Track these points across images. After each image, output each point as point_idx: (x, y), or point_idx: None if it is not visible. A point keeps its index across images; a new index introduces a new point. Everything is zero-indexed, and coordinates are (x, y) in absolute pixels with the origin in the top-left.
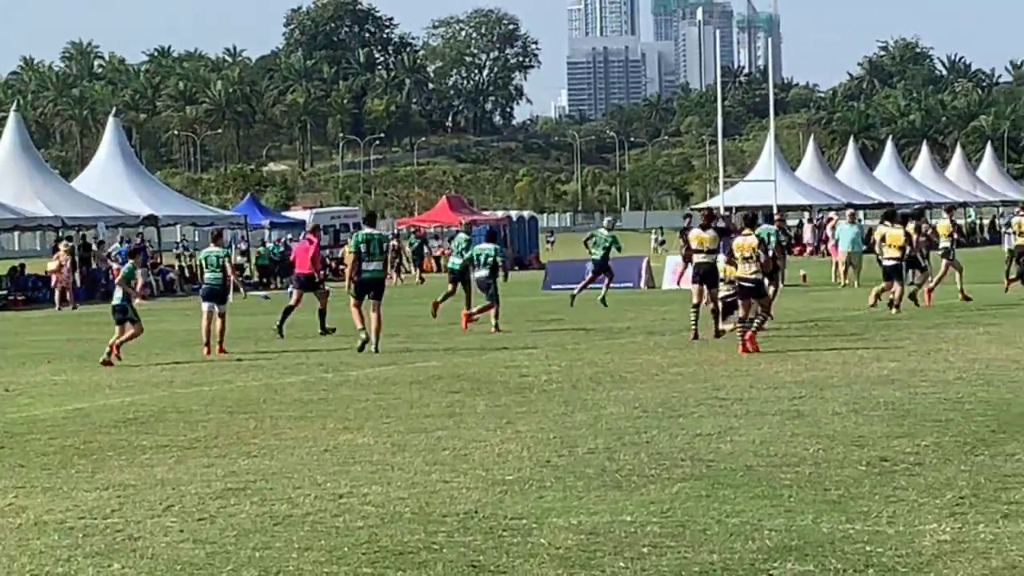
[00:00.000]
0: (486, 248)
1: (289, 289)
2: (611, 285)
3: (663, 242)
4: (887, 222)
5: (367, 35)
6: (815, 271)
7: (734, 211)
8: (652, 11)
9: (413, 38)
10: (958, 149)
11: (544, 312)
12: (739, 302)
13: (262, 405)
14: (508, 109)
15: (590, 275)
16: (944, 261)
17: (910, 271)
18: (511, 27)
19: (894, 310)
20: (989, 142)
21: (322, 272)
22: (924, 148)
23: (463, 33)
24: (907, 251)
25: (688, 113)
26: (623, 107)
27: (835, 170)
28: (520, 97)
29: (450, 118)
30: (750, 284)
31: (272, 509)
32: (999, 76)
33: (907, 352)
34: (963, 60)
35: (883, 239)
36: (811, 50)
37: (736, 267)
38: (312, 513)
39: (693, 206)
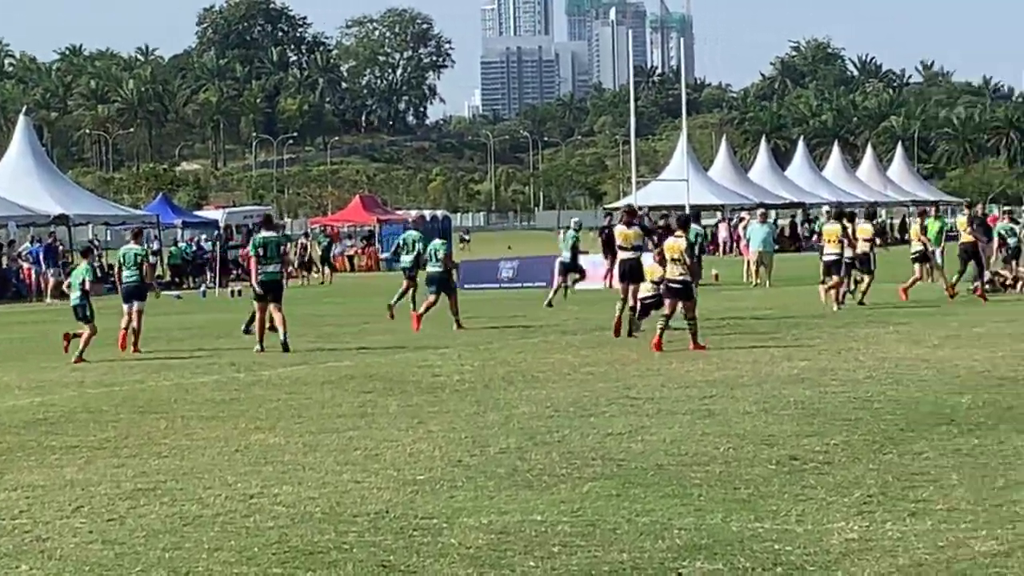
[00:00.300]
0: (436, 243)
1: (201, 289)
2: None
3: None
4: (833, 220)
5: (280, 34)
6: (727, 270)
7: (647, 210)
8: (566, 11)
9: (326, 37)
10: (869, 149)
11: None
12: (665, 302)
13: (173, 405)
14: (422, 109)
15: (559, 276)
16: (917, 265)
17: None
18: (424, 27)
19: (834, 306)
20: (900, 142)
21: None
22: (835, 148)
23: (376, 32)
24: (845, 245)
25: (602, 113)
26: (537, 107)
27: (747, 170)
28: (434, 97)
29: (363, 117)
30: (678, 286)
31: (182, 510)
32: (909, 77)
33: (817, 351)
34: (874, 61)
35: (821, 234)
36: (724, 50)
37: (664, 267)
38: (222, 513)
39: (606, 205)
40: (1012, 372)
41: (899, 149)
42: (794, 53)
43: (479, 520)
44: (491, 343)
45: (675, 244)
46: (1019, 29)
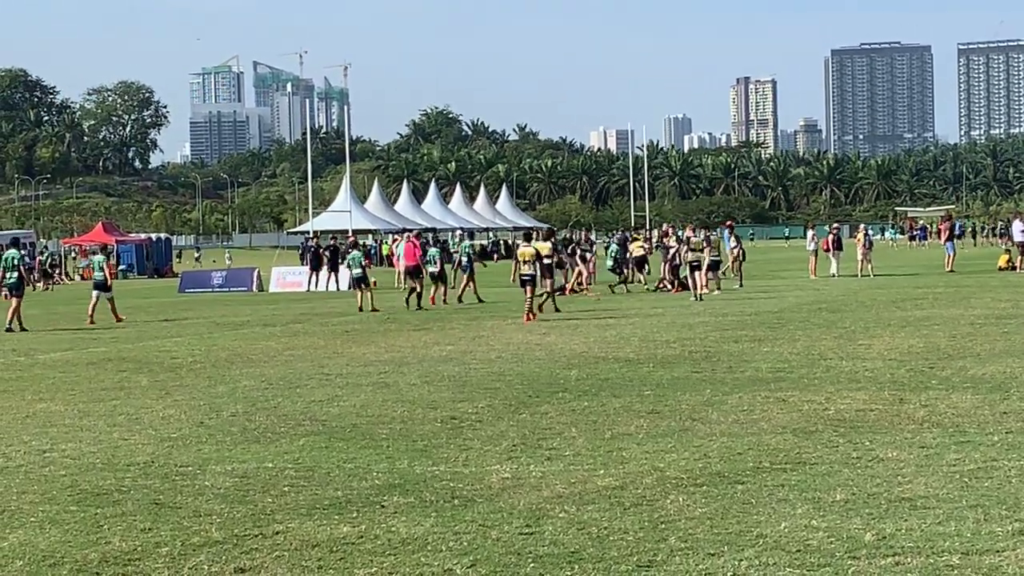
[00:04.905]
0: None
1: None
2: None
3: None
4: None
5: (36, 99)
6: (383, 279)
7: (319, 235)
8: (253, 84)
9: (72, 102)
10: (482, 189)
11: (181, 310)
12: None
13: None
14: (146, 157)
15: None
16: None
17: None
18: (147, 95)
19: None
20: (504, 184)
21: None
22: (458, 188)
23: (111, 99)
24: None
25: (283, 160)
26: (233, 156)
27: (393, 204)
28: (154, 148)
29: (101, 163)
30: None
31: None
32: (509, 135)
33: (459, 338)
34: (483, 123)
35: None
36: (373, 114)
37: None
38: (23, 465)
39: (289, 230)
40: (603, 353)
41: (504, 189)
42: (424, 117)
43: (224, 467)
44: (212, 333)
45: (528, 250)
46: (588, 102)
